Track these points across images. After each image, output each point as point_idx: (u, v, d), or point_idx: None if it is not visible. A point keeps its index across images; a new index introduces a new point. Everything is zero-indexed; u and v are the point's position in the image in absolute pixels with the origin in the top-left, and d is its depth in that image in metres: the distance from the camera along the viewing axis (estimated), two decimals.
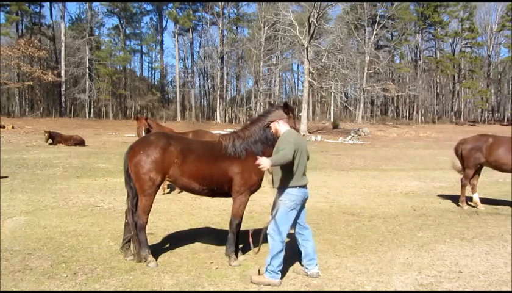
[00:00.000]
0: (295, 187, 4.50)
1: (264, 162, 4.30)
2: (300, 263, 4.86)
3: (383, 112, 63.40)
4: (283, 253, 4.52)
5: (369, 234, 6.55)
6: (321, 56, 41.06)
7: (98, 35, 56.43)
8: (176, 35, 55.87)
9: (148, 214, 4.99)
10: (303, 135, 33.76)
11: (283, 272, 4.69)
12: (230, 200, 5.24)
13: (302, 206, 4.69)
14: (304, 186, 4.60)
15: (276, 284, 4.47)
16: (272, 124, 4.78)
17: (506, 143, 8.42)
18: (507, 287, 4.61)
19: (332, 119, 51.35)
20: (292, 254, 5.01)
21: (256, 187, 5.13)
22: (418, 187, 11.55)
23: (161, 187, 9.84)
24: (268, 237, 4.54)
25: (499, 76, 66.31)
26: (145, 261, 4.93)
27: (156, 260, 5.01)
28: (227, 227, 5.28)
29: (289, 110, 5.23)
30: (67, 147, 21.22)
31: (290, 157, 4.34)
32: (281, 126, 4.71)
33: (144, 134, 9.50)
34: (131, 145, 5.16)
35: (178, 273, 4.74)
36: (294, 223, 4.71)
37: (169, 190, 9.82)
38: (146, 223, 4.99)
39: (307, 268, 4.72)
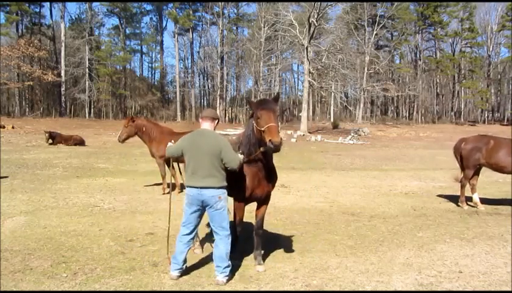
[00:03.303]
0: (188, 186, 4.61)
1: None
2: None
3: (383, 112, 63.33)
4: (178, 249, 4.60)
5: (369, 234, 6.55)
6: (321, 56, 41.03)
7: (98, 35, 56.38)
8: (176, 35, 55.86)
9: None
10: (303, 135, 33.75)
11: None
12: (230, 200, 5.23)
13: (213, 209, 4.54)
14: (196, 187, 4.49)
15: (171, 277, 4.56)
16: None
17: (506, 146, 8.41)
18: (507, 287, 4.61)
19: (332, 119, 51.29)
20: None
21: (242, 192, 4.88)
22: (418, 187, 11.55)
23: (161, 187, 9.91)
24: None
25: (499, 76, 66.23)
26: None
27: (156, 260, 5.02)
28: None
29: (251, 105, 4.84)
30: (67, 147, 21.22)
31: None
32: (201, 124, 4.82)
33: (124, 133, 9.59)
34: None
35: None
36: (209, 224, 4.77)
37: (168, 190, 9.79)
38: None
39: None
